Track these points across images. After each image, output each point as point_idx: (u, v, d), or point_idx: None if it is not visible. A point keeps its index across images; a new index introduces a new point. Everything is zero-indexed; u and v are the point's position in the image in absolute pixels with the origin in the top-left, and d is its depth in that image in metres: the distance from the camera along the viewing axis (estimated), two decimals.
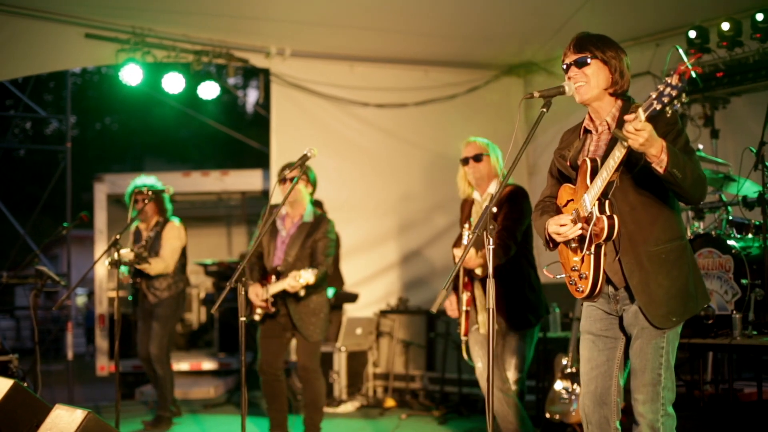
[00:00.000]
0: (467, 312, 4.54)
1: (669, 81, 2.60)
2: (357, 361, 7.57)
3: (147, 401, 7.87)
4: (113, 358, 6.40)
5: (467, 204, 4.74)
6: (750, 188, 5.02)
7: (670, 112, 2.66)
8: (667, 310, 3.00)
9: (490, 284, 2.92)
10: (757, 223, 4.94)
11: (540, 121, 3.06)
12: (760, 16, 5.71)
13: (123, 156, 21.23)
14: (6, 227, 9.91)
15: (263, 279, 5.25)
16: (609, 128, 3.11)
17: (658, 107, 2.63)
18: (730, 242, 4.77)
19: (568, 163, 3.24)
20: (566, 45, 3.16)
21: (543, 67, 8.26)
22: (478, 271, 4.39)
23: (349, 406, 7.29)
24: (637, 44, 7.05)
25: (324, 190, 6.24)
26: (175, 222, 6.52)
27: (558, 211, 3.23)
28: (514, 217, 4.45)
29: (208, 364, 9.00)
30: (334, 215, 7.19)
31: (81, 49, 7.19)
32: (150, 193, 5.94)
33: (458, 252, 4.46)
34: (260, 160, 10.02)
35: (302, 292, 5.10)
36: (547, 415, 5.38)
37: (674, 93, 2.60)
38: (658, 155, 2.77)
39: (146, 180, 6.40)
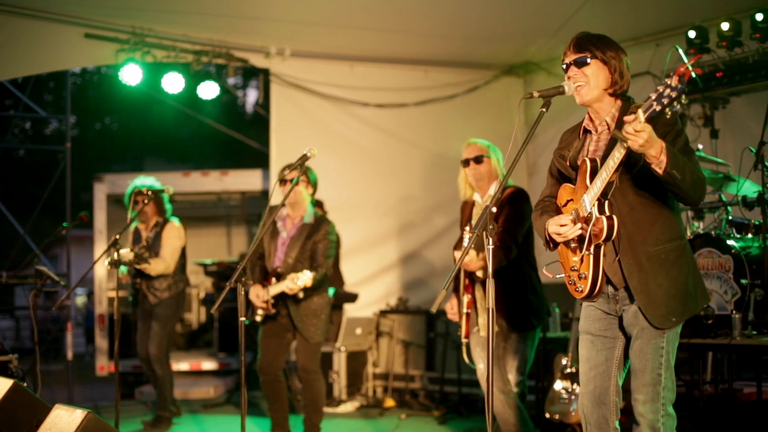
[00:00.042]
0: (468, 314, 4.54)
1: (669, 82, 2.60)
2: (357, 361, 7.57)
3: (146, 401, 7.87)
4: (113, 358, 6.40)
5: (468, 206, 4.74)
6: (750, 188, 5.02)
7: (669, 113, 2.66)
8: (666, 310, 3.00)
9: (490, 284, 2.92)
10: (757, 223, 4.94)
11: (539, 120, 3.06)
12: (759, 16, 5.71)
13: (123, 156, 21.22)
14: (6, 227, 9.90)
15: (264, 280, 5.25)
16: (609, 128, 3.11)
17: (658, 108, 2.63)
18: (730, 242, 4.77)
19: (568, 163, 3.24)
20: (566, 45, 3.16)
21: (543, 67, 8.26)
22: (479, 274, 4.38)
23: (348, 406, 7.29)
24: (637, 44, 7.05)
25: (324, 190, 6.24)
26: (175, 222, 6.52)
27: (558, 211, 3.23)
28: (514, 220, 4.44)
29: (207, 364, 9.00)
30: (334, 215, 7.21)
31: (81, 49, 7.19)
32: (150, 193, 5.93)
33: (459, 254, 4.46)
34: (260, 160, 10.02)
35: (301, 294, 5.10)
36: (547, 415, 5.38)
37: (674, 94, 2.60)
38: (657, 156, 2.77)
39: (145, 180, 6.40)
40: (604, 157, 2.99)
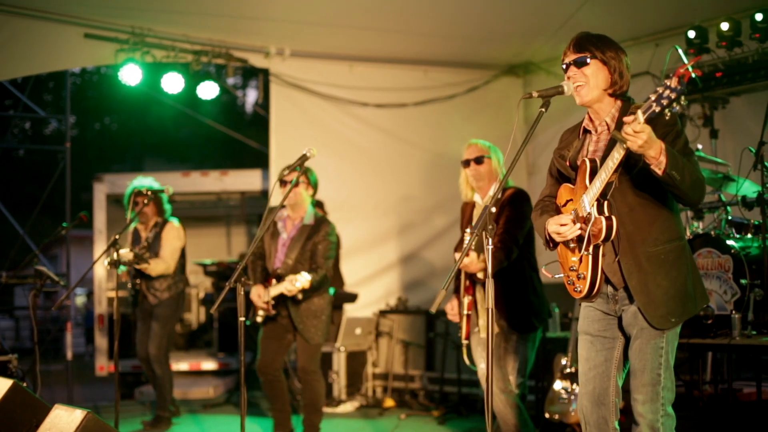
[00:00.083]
0: (468, 316, 4.54)
1: (668, 83, 2.60)
2: (356, 361, 7.57)
3: (146, 401, 7.87)
4: (112, 358, 6.40)
5: (468, 207, 4.74)
6: (749, 188, 5.02)
7: (669, 114, 2.66)
8: (666, 310, 3.00)
9: (489, 284, 2.92)
10: (756, 223, 4.94)
11: (539, 120, 3.06)
12: (759, 16, 5.71)
13: (122, 156, 21.22)
14: (5, 227, 9.89)
15: (265, 281, 5.25)
16: (608, 129, 3.11)
17: (657, 110, 2.63)
18: (730, 242, 4.77)
19: (568, 163, 3.24)
20: (566, 45, 3.16)
21: (542, 67, 8.26)
22: (480, 275, 4.37)
23: (348, 406, 7.29)
24: (637, 44, 7.05)
25: (323, 190, 6.25)
26: (174, 222, 6.52)
27: (557, 211, 3.23)
28: (515, 220, 4.44)
29: (207, 364, 9.00)
30: (334, 215, 7.22)
31: (80, 49, 7.18)
32: (150, 193, 5.93)
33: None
34: (259, 160, 10.02)
35: (300, 296, 5.09)
36: (547, 415, 5.38)
37: (673, 95, 2.60)
38: (656, 157, 2.77)
39: (144, 181, 6.39)
40: (604, 158, 2.99)
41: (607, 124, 3.13)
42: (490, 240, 2.91)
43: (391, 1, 6.97)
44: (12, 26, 6.77)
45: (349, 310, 8.03)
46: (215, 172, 9.75)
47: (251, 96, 19.66)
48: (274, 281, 5.16)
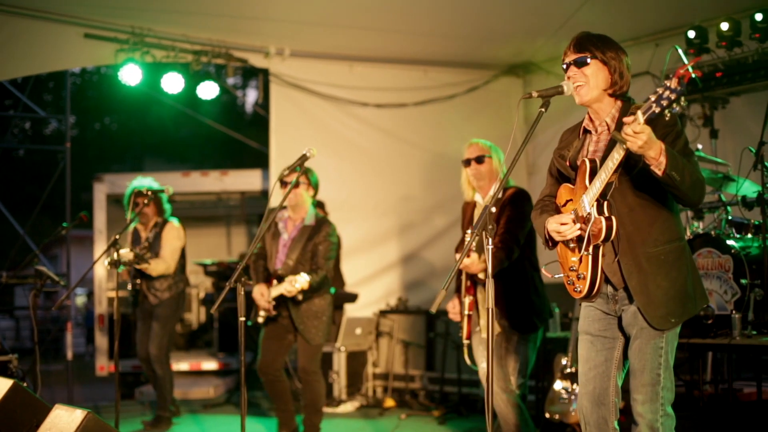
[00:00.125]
0: (469, 316, 4.54)
1: (668, 84, 2.60)
2: (356, 361, 7.57)
3: (146, 401, 7.87)
4: (113, 358, 6.40)
5: (469, 207, 4.73)
6: (749, 188, 5.02)
7: (669, 115, 2.66)
8: (665, 311, 3.00)
9: (489, 284, 2.92)
10: (757, 222, 4.94)
11: (539, 120, 3.06)
12: (759, 16, 5.71)
13: (122, 156, 21.22)
14: (5, 227, 9.90)
15: (267, 281, 5.26)
16: (608, 129, 3.11)
17: (657, 110, 2.64)
18: (730, 242, 4.77)
19: (568, 163, 3.24)
20: (566, 44, 3.16)
21: (542, 67, 8.26)
22: (482, 276, 4.37)
23: (348, 406, 7.30)
24: (637, 44, 7.04)
25: (323, 190, 6.25)
26: (174, 222, 6.52)
27: (557, 211, 3.23)
28: (516, 220, 4.43)
29: (207, 364, 9.00)
30: (334, 215, 7.22)
31: (80, 49, 7.19)
32: (150, 194, 5.93)
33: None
34: (259, 160, 10.02)
35: (300, 297, 5.09)
36: (547, 415, 5.38)
37: (673, 96, 2.60)
38: (656, 158, 2.77)
39: (143, 181, 6.39)
40: (604, 158, 2.99)
41: (607, 125, 3.13)
42: (490, 240, 2.91)
43: (391, 1, 6.97)
44: (12, 26, 6.77)
45: (350, 310, 8.03)
46: (215, 172, 9.75)
47: (251, 96, 19.68)
48: (275, 282, 5.16)
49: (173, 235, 6.45)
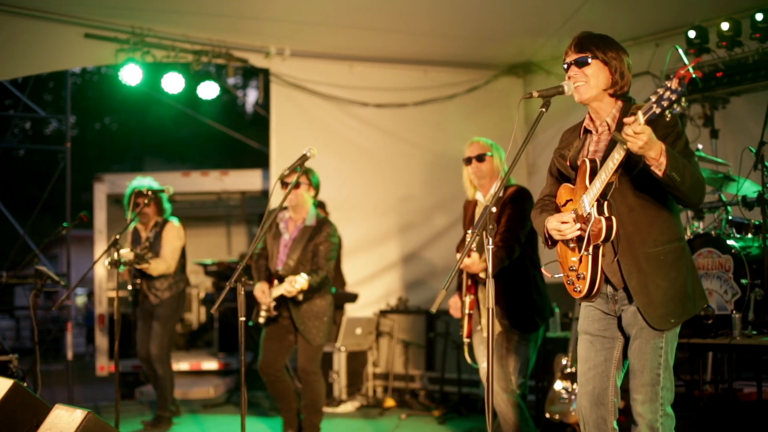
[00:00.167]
0: (470, 315, 4.53)
1: (669, 85, 2.60)
2: (357, 361, 7.57)
3: (146, 401, 7.87)
4: (113, 358, 6.40)
5: (470, 205, 4.73)
6: (749, 188, 5.02)
7: (669, 115, 2.66)
8: (665, 311, 3.00)
9: (490, 284, 2.92)
10: (757, 222, 4.94)
11: (539, 120, 3.06)
12: (759, 16, 5.71)
13: (122, 156, 21.21)
14: (6, 227, 9.90)
15: (268, 281, 5.26)
16: (609, 129, 3.11)
17: (658, 111, 2.64)
18: (730, 242, 4.77)
19: (568, 163, 3.24)
20: (566, 44, 3.16)
21: (542, 67, 8.26)
22: (483, 275, 4.37)
23: (348, 406, 7.30)
24: (637, 44, 7.04)
25: (324, 190, 6.24)
26: (174, 222, 6.52)
27: (557, 210, 3.23)
28: (517, 219, 4.43)
29: (207, 364, 9.01)
30: (334, 215, 7.22)
31: (81, 49, 7.19)
32: (150, 194, 5.93)
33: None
34: (260, 160, 10.02)
35: (300, 297, 5.09)
36: (547, 415, 5.38)
37: (674, 97, 2.60)
38: (657, 158, 2.77)
39: (143, 181, 6.39)
40: (604, 158, 2.99)
41: (607, 125, 3.13)
42: (491, 240, 2.91)
43: (391, 1, 6.97)
44: (12, 26, 6.77)
45: (350, 310, 8.03)
46: (215, 172, 9.76)
47: (251, 96, 19.67)
48: (275, 282, 5.16)
49: (173, 234, 6.45)
